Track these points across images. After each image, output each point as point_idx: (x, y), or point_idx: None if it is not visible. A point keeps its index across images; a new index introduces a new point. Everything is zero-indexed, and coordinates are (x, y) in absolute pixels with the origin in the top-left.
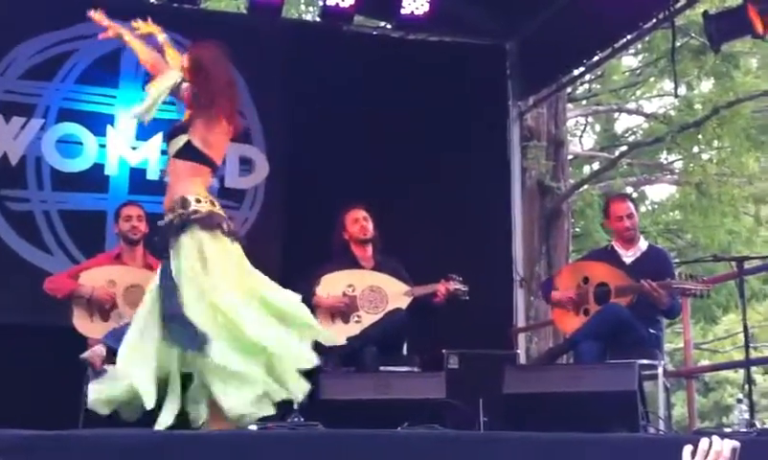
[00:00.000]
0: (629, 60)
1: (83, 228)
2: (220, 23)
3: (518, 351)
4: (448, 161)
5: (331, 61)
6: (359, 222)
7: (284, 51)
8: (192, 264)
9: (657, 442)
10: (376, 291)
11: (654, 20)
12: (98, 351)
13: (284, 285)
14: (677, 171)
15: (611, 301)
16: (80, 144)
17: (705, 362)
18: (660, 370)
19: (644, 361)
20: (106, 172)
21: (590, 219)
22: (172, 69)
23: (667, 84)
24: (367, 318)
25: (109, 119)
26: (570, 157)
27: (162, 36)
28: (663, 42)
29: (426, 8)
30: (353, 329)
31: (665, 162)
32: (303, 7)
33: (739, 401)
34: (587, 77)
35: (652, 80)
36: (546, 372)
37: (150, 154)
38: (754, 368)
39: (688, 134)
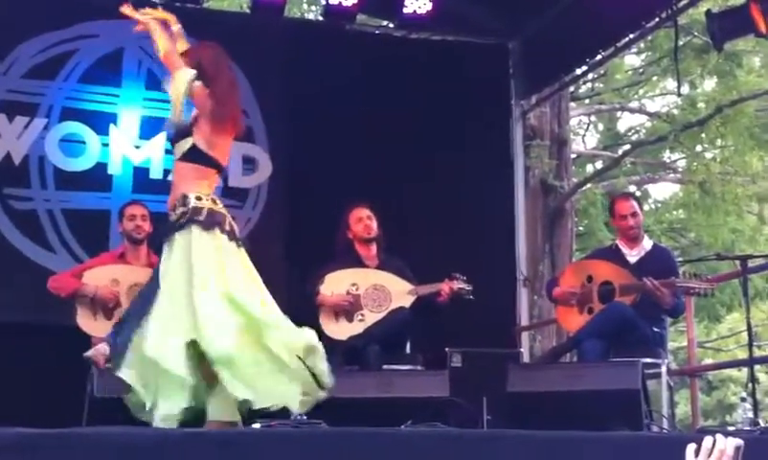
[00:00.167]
0: (632, 59)
1: (87, 227)
2: (223, 22)
3: (521, 349)
4: (451, 160)
5: (334, 60)
6: (363, 221)
7: (287, 50)
8: (176, 262)
9: (660, 440)
10: (380, 290)
11: (657, 19)
12: (101, 349)
13: (287, 283)
14: (680, 169)
15: (615, 300)
16: (83, 143)
17: (708, 361)
18: (663, 368)
19: (648, 360)
20: (109, 171)
21: (593, 218)
22: (185, 67)
23: (670, 83)
24: (370, 317)
25: (112, 118)
26: (573, 156)
27: (176, 27)
28: (665, 41)
29: (429, 7)
30: (357, 327)
31: (668, 161)
32: (305, 6)
33: (743, 399)
34: (590, 76)
35: (655, 78)
36: (549, 370)
37: (154, 153)
38: (757, 366)
39: (691, 133)
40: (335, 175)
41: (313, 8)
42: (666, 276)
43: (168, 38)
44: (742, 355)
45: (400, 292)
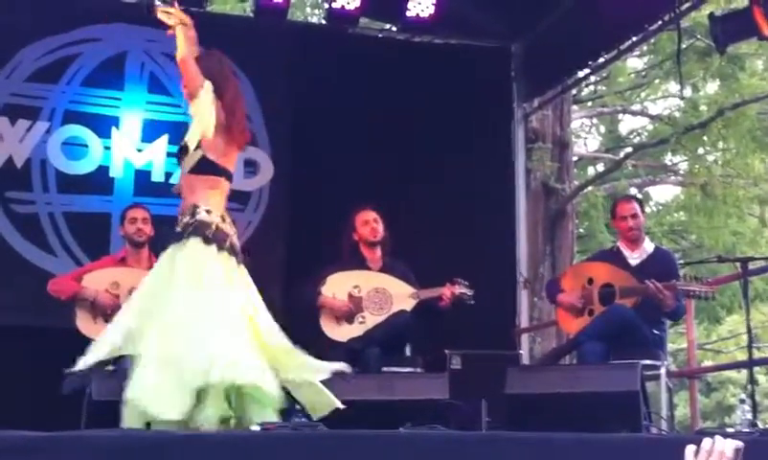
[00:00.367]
0: (634, 62)
1: (88, 230)
2: (226, 26)
3: (521, 351)
4: (453, 163)
5: (337, 64)
6: (370, 224)
7: (290, 53)
8: (159, 276)
9: (659, 442)
10: (381, 293)
11: (660, 22)
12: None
13: (289, 286)
14: (682, 172)
15: (616, 302)
16: (86, 146)
17: (708, 363)
18: (663, 370)
19: (647, 362)
20: (111, 175)
21: (594, 221)
22: (201, 76)
23: (673, 86)
24: (371, 319)
25: (114, 121)
26: (575, 159)
27: (192, 32)
28: (668, 44)
29: (431, 10)
30: (357, 329)
31: (669, 163)
32: (308, 9)
33: (742, 401)
34: (592, 78)
35: (657, 81)
36: (549, 372)
37: (155, 156)
38: (756, 368)
39: (693, 136)
40: (336, 178)
41: (316, 11)
42: (667, 279)
43: (189, 43)
44: (742, 356)
45: (402, 296)
